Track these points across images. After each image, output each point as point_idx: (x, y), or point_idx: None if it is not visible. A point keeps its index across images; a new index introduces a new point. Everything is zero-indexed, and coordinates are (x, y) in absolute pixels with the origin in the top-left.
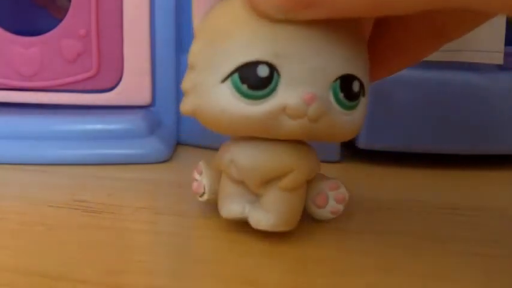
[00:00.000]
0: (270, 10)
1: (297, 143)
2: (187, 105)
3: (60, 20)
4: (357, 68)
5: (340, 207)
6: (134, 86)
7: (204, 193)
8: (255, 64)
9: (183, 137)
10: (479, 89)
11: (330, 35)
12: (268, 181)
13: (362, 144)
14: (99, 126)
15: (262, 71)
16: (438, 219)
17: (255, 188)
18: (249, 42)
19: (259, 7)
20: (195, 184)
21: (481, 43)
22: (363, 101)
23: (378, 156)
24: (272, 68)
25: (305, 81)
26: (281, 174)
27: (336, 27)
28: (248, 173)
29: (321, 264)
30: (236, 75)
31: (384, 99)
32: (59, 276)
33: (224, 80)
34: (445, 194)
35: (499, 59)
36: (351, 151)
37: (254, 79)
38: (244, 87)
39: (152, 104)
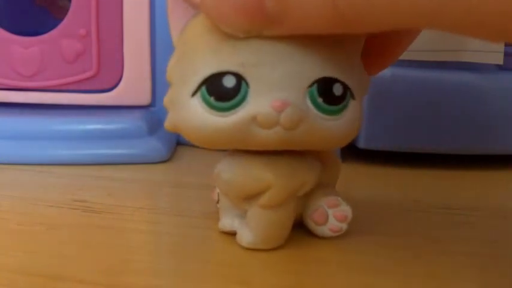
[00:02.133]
0: (232, 31)
1: (282, 156)
2: (168, 121)
3: (60, 20)
4: (337, 70)
5: (342, 225)
6: (134, 86)
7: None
8: (220, 75)
9: (183, 137)
10: (479, 89)
11: (303, 37)
12: (248, 197)
13: (362, 144)
14: (99, 126)
15: (229, 82)
16: (438, 219)
17: (237, 203)
18: (214, 54)
19: (222, 27)
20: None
21: (481, 43)
22: (354, 104)
23: (378, 156)
24: (239, 78)
25: (276, 88)
26: (258, 190)
27: None
28: (228, 187)
29: (320, 265)
30: (204, 88)
31: (384, 99)
32: (59, 276)
33: (194, 93)
34: (445, 194)
35: (499, 59)
36: (351, 151)
37: (221, 90)
38: (212, 99)
39: (152, 104)
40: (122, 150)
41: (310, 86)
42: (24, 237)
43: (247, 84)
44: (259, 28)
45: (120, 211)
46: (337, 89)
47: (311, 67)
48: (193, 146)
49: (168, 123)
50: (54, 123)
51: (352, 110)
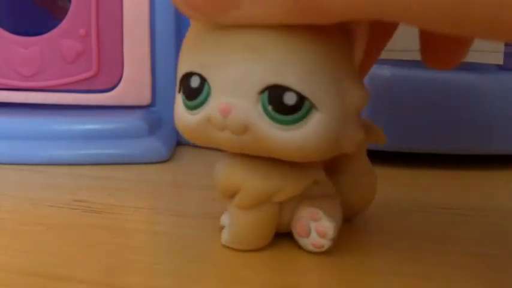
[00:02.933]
0: (193, 14)
1: (263, 160)
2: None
3: (60, 20)
4: (295, 77)
5: (323, 241)
6: (134, 86)
7: None
8: (189, 75)
9: (183, 137)
10: (479, 89)
11: (261, 39)
12: (227, 195)
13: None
14: (99, 126)
15: (194, 82)
16: (438, 219)
17: (223, 201)
18: (186, 54)
19: (185, 12)
20: None
21: (481, 43)
22: (319, 117)
23: (378, 156)
24: (202, 79)
25: (228, 91)
26: (231, 190)
27: (273, 33)
28: (214, 184)
29: (320, 265)
30: (182, 87)
31: (384, 99)
32: (59, 276)
33: (179, 90)
34: (445, 194)
35: (499, 59)
36: None
37: (188, 90)
38: (184, 97)
39: (152, 104)
40: (122, 150)
41: (262, 91)
42: (24, 237)
43: (209, 85)
44: (219, 10)
45: (120, 211)
46: (289, 98)
47: (262, 72)
48: (193, 146)
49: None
50: (54, 123)
51: (315, 123)
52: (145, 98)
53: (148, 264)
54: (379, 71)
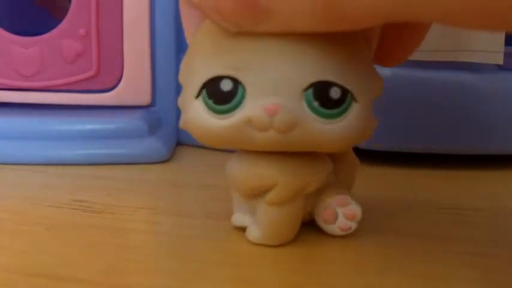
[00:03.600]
0: (224, 24)
1: (288, 154)
2: (180, 122)
3: (60, 20)
4: (335, 72)
5: (352, 224)
6: (134, 86)
7: None
8: (218, 79)
9: (183, 137)
10: (479, 89)
11: (296, 41)
12: (255, 194)
13: (362, 144)
14: (99, 126)
15: (226, 85)
16: (438, 219)
17: (246, 199)
18: (212, 58)
19: (216, 22)
20: None
21: (481, 43)
22: (357, 107)
23: (378, 156)
24: (235, 82)
25: (270, 91)
26: (264, 188)
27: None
28: (235, 184)
29: (320, 264)
30: (204, 91)
31: (384, 99)
32: (59, 276)
33: (197, 96)
34: (445, 194)
35: (499, 59)
36: None
37: (218, 94)
38: (211, 102)
39: (152, 104)
40: (122, 150)
41: (306, 89)
42: (24, 237)
43: (243, 87)
44: (251, 21)
45: (120, 211)
46: (335, 93)
47: (305, 70)
48: (193, 146)
49: (180, 123)
50: (54, 123)
51: (355, 114)
52: (145, 98)
53: (148, 264)
54: (379, 71)
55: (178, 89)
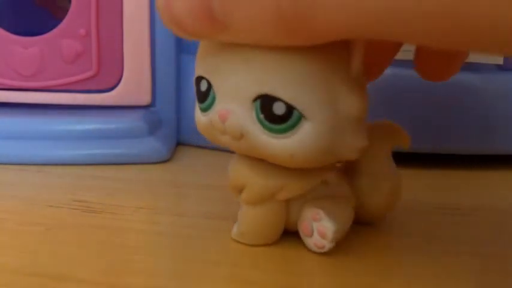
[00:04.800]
0: (183, 34)
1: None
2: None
3: (60, 20)
4: (283, 88)
5: (325, 242)
6: (134, 86)
7: None
8: (199, 79)
9: (183, 137)
10: (479, 89)
11: (255, 51)
12: (236, 191)
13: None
14: (99, 126)
15: (203, 86)
16: (438, 219)
17: (234, 196)
18: (198, 58)
19: (174, 30)
20: None
21: None
22: (309, 125)
23: None
24: (209, 84)
25: (228, 97)
26: (236, 187)
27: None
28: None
29: (320, 265)
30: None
31: (384, 99)
32: (59, 276)
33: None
34: (445, 194)
35: (499, 59)
36: None
37: (198, 93)
38: (197, 98)
39: (152, 104)
40: (121, 150)
41: (254, 100)
42: (24, 237)
43: (213, 90)
44: (208, 32)
45: (120, 211)
46: (278, 108)
47: (254, 82)
48: (193, 146)
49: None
50: (54, 123)
51: (305, 132)
52: (145, 98)
53: (148, 264)
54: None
55: (178, 89)
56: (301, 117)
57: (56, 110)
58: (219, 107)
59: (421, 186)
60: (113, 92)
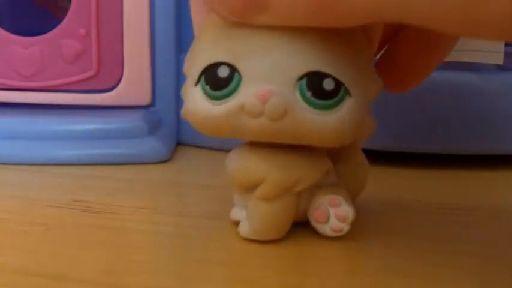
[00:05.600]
0: (224, 13)
1: (281, 150)
2: (182, 110)
3: (60, 20)
4: (330, 64)
5: (343, 225)
6: (134, 86)
7: None
8: (216, 65)
9: (183, 137)
10: (479, 89)
11: (293, 31)
12: (247, 188)
13: (362, 144)
14: (99, 126)
15: (223, 72)
16: (438, 219)
17: (240, 194)
18: (211, 45)
19: (215, 10)
20: None
21: (481, 43)
22: (350, 102)
23: (377, 156)
24: (232, 69)
25: (264, 78)
26: (253, 182)
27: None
28: (230, 178)
29: (320, 265)
30: (203, 78)
31: (384, 98)
32: (59, 276)
33: (196, 83)
34: (445, 194)
35: (499, 59)
36: None
37: (215, 80)
38: (208, 88)
39: (152, 104)
40: (121, 150)
41: (300, 79)
42: (24, 237)
43: (239, 74)
44: (250, 12)
45: (120, 211)
46: (328, 84)
47: (300, 60)
48: (193, 146)
49: (182, 113)
50: (54, 123)
51: (348, 108)
52: (145, 98)
53: (148, 264)
54: None
55: (178, 89)
56: (345, 93)
57: (56, 110)
58: (252, 89)
59: (421, 186)
60: (113, 92)
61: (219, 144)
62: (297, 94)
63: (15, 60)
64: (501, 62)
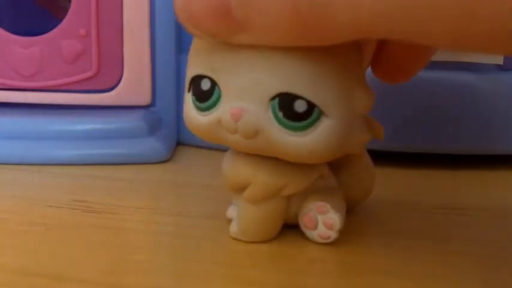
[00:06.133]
0: (200, 34)
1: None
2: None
3: (60, 20)
4: (305, 86)
5: (330, 233)
6: (134, 86)
7: None
8: (199, 78)
9: (183, 137)
10: (479, 89)
11: (269, 49)
12: (237, 189)
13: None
14: (99, 126)
15: (204, 85)
16: (438, 219)
17: (232, 194)
18: (196, 57)
19: (191, 30)
20: None
21: None
22: (328, 122)
23: (378, 156)
24: (213, 82)
25: (239, 96)
26: (239, 185)
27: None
28: (222, 177)
29: (320, 265)
30: (192, 87)
31: (384, 99)
32: (59, 276)
33: (188, 90)
34: (445, 194)
35: (499, 59)
36: None
37: (199, 92)
38: (194, 98)
39: (152, 104)
40: (122, 150)
41: (272, 98)
42: (24, 237)
43: (219, 88)
44: (226, 33)
45: (120, 211)
46: (300, 106)
47: (273, 80)
48: (193, 146)
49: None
50: (54, 123)
51: (323, 129)
52: (145, 98)
53: (148, 264)
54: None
55: (178, 89)
56: (320, 114)
57: (56, 110)
58: (228, 105)
59: (421, 186)
60: (113, 92)
61: (219, 145)
62: (270, 114)
63: (15, 60)
64: (501, 62)
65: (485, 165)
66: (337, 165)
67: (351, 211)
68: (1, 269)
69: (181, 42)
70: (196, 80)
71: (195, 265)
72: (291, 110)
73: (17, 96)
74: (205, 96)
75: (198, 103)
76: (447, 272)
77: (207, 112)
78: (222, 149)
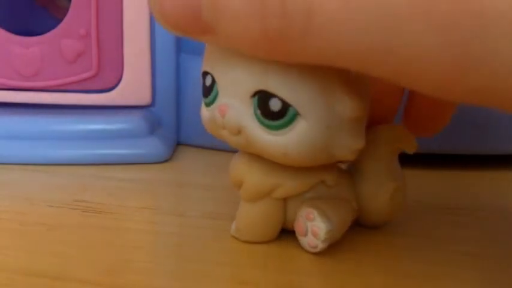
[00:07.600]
0: (171, 29)
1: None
2: None
3: (60, 20)
4: (280, 85)
5: (317, 242)
6: (134, 86)
7: None
8: (205, 74)
9: (183, 137)
10: None
11: None
12: (236, 186)
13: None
14: (99, 126)
15: (207, 81)
16: (438, 219)
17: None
18: (205, 54)
19: (163, 25)
20: None
21: None
22: (303, 124)
23: None
24: (213, 79)
25: (227, 93)
26: (236, 183)
27: None
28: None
29: (319, 265)
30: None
31: None
32: (59, 276)
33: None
34: (445, 194)
35: None
36: None
37: (204, 87)
38: (202, 93)
39: (152, 104)
40: (122, 150)
41: (253, 96)
42: (24, 237)
43: (217, 85)
44: (196, 33)
45: (121, 211)
46: (274, 104)
47: (253, 78)
48: (193, 146)
49: None
50: (54, 123)
51: (299, 130)
52: (145, 98)
53: (148, 264)
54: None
55: (178, 89)
56: (296, 114)
57: (56, 110)
58: (220, 101)
59: (421, 187)
60: (113, 92)
61: (218, 144)
62: (252, 111)
63: (15, 60)
64: None
65: (485, 165)
66: (359, 173)
67: (373, 228)
68: (1, 269)
69: (181, 42)
70: (203, 76)
71: (195, 265)
72: (267, 108)
73: (17, 96)
74: (208, 91)
75: (204, 98)
76: (447, 272)
77: (209, 107)
78: (221, 149)
